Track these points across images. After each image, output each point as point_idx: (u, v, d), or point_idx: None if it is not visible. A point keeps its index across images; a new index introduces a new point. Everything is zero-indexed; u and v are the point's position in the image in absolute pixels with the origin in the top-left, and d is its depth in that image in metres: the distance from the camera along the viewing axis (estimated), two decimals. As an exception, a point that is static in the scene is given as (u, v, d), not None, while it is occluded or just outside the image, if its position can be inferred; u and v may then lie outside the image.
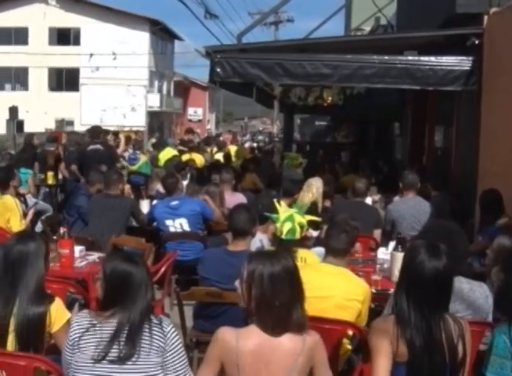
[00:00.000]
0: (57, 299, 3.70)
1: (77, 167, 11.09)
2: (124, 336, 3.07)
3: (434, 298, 3.04)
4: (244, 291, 3.07)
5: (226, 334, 3.03)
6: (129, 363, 3.05)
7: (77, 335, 3.13)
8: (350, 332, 4.01)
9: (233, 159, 14.56)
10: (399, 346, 2.97)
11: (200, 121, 59.77)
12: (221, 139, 23.27)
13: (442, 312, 3.07)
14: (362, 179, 7.90)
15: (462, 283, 3.77)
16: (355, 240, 4.54)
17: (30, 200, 9.70)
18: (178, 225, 7.33)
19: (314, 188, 8.10)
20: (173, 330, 3.20)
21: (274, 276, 2.99)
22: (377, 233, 7.20)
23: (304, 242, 5.22)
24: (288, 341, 2.96)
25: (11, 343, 3.53)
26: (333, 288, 4.10)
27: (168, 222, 7.33)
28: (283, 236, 5.04)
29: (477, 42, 7.80)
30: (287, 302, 2.97)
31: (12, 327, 3.51)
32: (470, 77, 7.89)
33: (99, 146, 11.04)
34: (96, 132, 11.75)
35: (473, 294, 3.78)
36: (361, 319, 4.13)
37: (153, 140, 19.79)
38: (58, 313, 3.64)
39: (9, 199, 7.32)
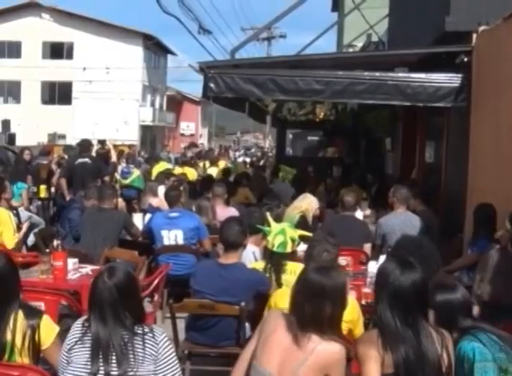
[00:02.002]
0: (45, 315, 3.66)
1: (66, 181, 11.08)
2: (112, 356, 3.12)
3: (416, 309, 3.12)
4: None
5: (274, 310, 3.53)
6: None
7: (74, 340, 3.20)
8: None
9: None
10: (385, 358, 3.03)
11: (192, 135, 59.85)
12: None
13: (425, 322, 3.14)
14: (351, 193, 7.97)
15: None
16: (337, 258, 4.56)
17: (23, 213, 9.72)
18: (172, 236, 7.36)
19: (308, 201, 8.14)
20: (165, 339, 3.24)
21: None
22: (367, 247, 7.27)
23: (295, 256, 5.27)
24: (304, 342, 3.10)
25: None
26: None
27: (164, 233, 7.37)
28: (275, 249, 5.10)
29: (466, 60, 7.90)
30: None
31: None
32: (459, 94, 8.00)
33: (86, 160, 11.11)
34: (85, 146, 11.81)
35: None
36: (355, 334, 4.18)
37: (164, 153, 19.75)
38: (47, 329, 3.61)
39: (3, 212, 7.30)
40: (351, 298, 4.42)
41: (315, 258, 4.34)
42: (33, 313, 3.62)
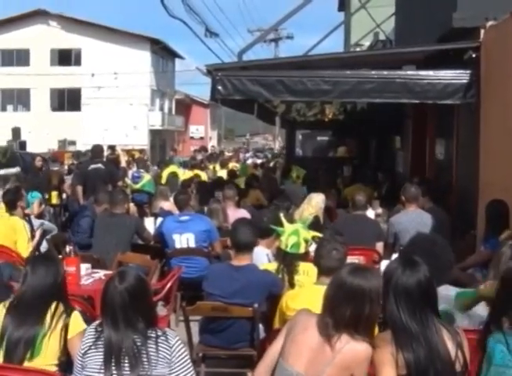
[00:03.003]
0: (76, 311, 3.87)
1: (82, 187, 11.10)
2: (125, 360, 3.13)
3: (424, 308, 3.12)
4: None
5: (303, 309, 3.40)
6: None
7: (88, 344, 3.22)
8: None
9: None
10: (398, 359, 3.02)
11: (201, 138, 59.95)
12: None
13: (436, 320, 3.13)
14: (361, 192, 7.96)
15: (450, 291, 3.87)
16: (346, 256, 4.56)
17: (35, 220, 9.75)
18: (184, 240, 7.36)
19: (313, 203, 8.13)
20: (179, 342, 3.25)
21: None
22: (379, 246, 7.26)
23: (308, 256, 5.26)
24: (333, 341, 3.13)
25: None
26: None
27: (175, 236, 7.38)
28: (288, 250, 5.10)
29: (474, 56, 7.86)
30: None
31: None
32: (468, 91, 7.96)
33: (99, 165, 11.11)
34: (97, 151, 11.82)
35: None
36: None
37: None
38: (75, 321, 3.77)
39: (17, 221, 7.35)
40: None
41: (324, 257, 4.33)
42: (67, 308, 3.80)
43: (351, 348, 3.10)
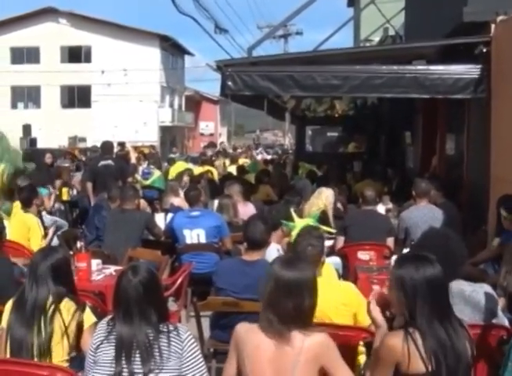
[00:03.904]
0: (87, 306, 3.91)
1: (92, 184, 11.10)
2: (136, 355, 3.14)
3: (441, 305, 3.09)
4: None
5: (240, 327, 3.24)
6: None
7: (100, 339, 3.23)
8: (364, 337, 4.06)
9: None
10: (412, 360, 2.97)
11: (211, 134, 59.97)
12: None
13: (452, 316, 3.11)
14: (371, 187, 7.95)
15: (463, 286, 3.87)
16: (323, 249, 4.53)
17: (45, 217, 9.79)
18: (195, 235, 7.36)
19: (323, 197, 8.12)
20: (190, 337, 3.25)
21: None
22: (390, 241, 7.25)
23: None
24: (288, 341, 3.08)
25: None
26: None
27: (186, 232, 7.37)
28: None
29: (484, 50, 7.83)
30: (300, 304, 3.13)
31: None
32: (478, 85, 7.93)
33: (109, 162, 11.12)
34: (107, 148, 11.83)
35: (476, 295, 3.85)
36: (361, 320, 4.19)
37: (173, 155, 19.86)
38: (86, 316, 3.81)
39: (31, 218, 7.39)
40: (347, 282, 4.45)
41: (300, 254, 4.31)
42: (78, 304, 3.83)
43: (311, 343, 3.07)
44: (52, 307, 3.72)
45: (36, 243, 7.10)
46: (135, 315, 3.18)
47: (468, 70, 8.02)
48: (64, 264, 3.95)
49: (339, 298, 4.23)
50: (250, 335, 3.17)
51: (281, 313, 3.11)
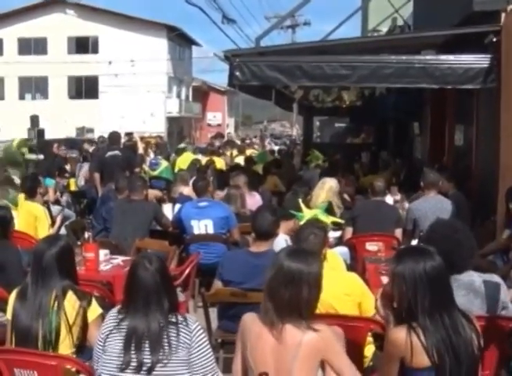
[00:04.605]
0: (92, 296, 3.91)
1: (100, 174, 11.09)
2: (145, 344, 3.14)
3: (442, 298, 3.06)
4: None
5: (246, 316, 3.27)
6: (158, 368, 3.12)
7: (109, 329, 3.23)
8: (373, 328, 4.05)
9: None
10: (415, 354, 2.96)
11: (219, 125, 59.92)
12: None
13: (453, 308, 3.08)
14: (381, 178, 7.91)
15: (473, 277, 3.84)
16: (325, 241, 4.54)
17: (53, 207, 9.81)
18: (202, 226, 7.36)
19: (327, 186, 8.08)
20: (199, 327, 3.26)
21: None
22: (398, 232, 7.22)
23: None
24: (289, 333, 3.08)
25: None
26: None
27: (193, 223, 7.37)
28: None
29: (494, 40, 7.75)
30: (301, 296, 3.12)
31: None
32: (488, 75, 7.86)
33: (117, 152, 11.10)
34: (114, 138, 11.82)
35: (486, 286, 3.83)
36: (365, 310, 4.18)
37: (183, 145, 19.78)
38: (93, 307, 3.80)
39: (38, 208, 7.41)
40: (350, 273, 4.44)
41: (302, 241, 4.36)
42: (84, 296, 3.81)
43: (310, 338, 3.06)
44: (57, 297, 3.71)
45: (43, 232, 7.11)
46: (152, 303, 3.19)
47: (478, 60, 7.94)
48: (68, 252, 3.94)
49: (342, 289, 4.25)
50: (253, 325, 3.18)
51: (277, 302, 3.11)
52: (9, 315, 3.78)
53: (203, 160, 13.94)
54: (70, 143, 19.63)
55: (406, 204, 8.21)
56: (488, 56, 7.89)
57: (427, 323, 2.99)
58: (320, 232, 4.44)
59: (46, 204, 9.56)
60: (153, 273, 3.22)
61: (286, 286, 3.11)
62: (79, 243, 6.05)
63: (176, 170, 13.03)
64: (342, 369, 3.12)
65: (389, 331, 3.13)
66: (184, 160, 13.88)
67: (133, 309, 3.22)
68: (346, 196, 9.15)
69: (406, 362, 2.99)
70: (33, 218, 7.21)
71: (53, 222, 7.87)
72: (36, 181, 7.95)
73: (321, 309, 3.81)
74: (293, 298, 3.10)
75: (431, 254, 3.13)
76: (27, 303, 3.70)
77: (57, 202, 10.65)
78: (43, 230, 7.15)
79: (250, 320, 3.22)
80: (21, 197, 7.74)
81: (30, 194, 7.64)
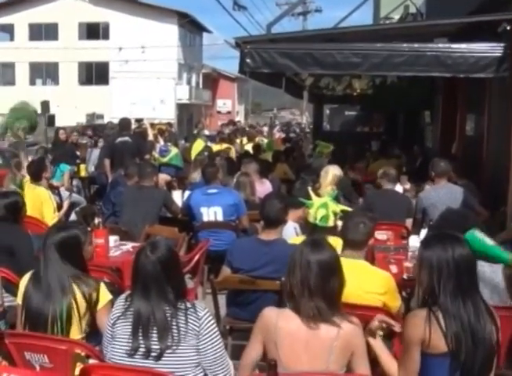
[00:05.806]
0: (101, 282, 3.88)
1: (110, 160, 11.09)
2: (153, 331, 3.14)
3: (465, 286, 3.03)
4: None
5: (269, 311, 3.21)
6: (167, 355, 3.13)
7: (117, 315, 3.24)
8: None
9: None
10: (432, 339, 2.95)
11: (229, 112, 59.83)
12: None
13: (478, 298, 3.06)
14: (391, 167, 7.88)
15: (483, 267, 3.82)
16: (373, 232, 4.48)
17: (64, 193, 9.85)
18: (212, 213, 7.36)
19: (330, 175, 8.05)
20: (208, 314, 3.26)
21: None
22: (409, 222, 7.20)
23: (336, 230, 5.22)
24: (325, 326, 3.07)
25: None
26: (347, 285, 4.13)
27: (203, 210, 7.37)
28: (317, 222, 5.06)
29: (508, 28, 7.68)
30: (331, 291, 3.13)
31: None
32: (501, 64, 7.79)
33: (127, 138, 11.10)
34: (124, 125, 11.82)
35: (496, 276, 3.82)
36: (391, 307, 4.14)
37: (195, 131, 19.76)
38: (102, 293, 3.79)
39: (42, 191, 7.45)
40: (383, 271, 4.40)
41: (350, 230, 4.30)
42: (94, 282, 3.82)
43: (347, 331, 3.06)
44: (68, 283, 3.72)
45: (49, 215, 7.18)
46: (152, 291, 3.19)
47: (491, 49, 7.87)
48: (75, 241, 3.93)
49: (376, 288, 4.16)
50: (282, 320, 3.14)
51: (312, 297, 3.09)
52: (19, 299, 3.80)
53: (213, 146, 13.94)
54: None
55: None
56: (502, 44, 7.82)
57: (449, 305, 2.98)
58: (370, 222, 4.39)
59: (57, 189, 9.61)
60: (153, 262, 3.21)
61: (322, 279, 3.10)
62: (89, 229, 6.06)
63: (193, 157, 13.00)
64: (360, 365, 3.12)
65: (408, 315, 3.14)
66: (197, 148, 13.87)
67: (135, 295, 3.24)
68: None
69: (423, 346, 2.98)
70: (39, 203, 7.23)
71: (60, 206, 7.90)
72: (42, 165, 7.98)
73: (349, 300, 3.79)
74: (327, 290, 3.10)
75: (460, 242, 3.11)
76: (39, 288, 3.72)
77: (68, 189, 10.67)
78: (49, 214, 7.19)
79: (275, 316, 3.17)
80: (27, 180, 7.78)
81: (36, 178, 7.67)
